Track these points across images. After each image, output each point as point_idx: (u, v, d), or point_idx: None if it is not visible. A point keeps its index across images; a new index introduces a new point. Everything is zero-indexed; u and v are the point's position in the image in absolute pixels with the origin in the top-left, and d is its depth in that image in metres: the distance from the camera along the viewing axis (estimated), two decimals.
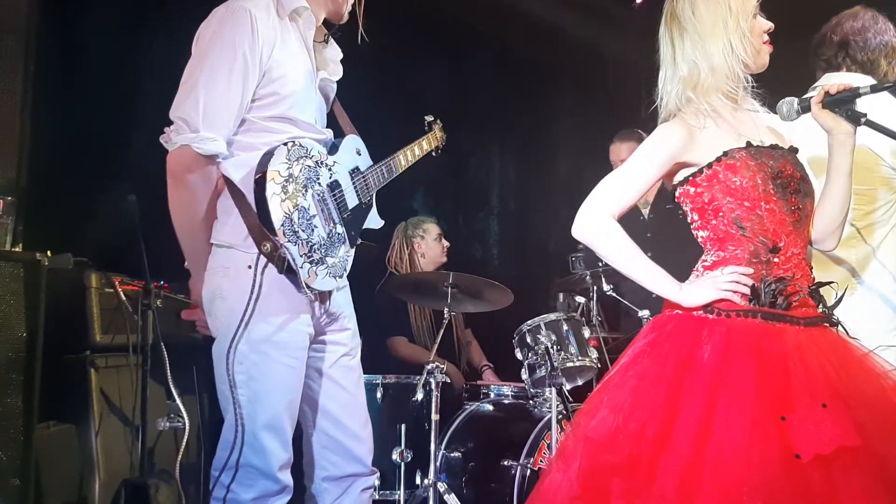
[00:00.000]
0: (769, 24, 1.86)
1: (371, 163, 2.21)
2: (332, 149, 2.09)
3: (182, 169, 1.88)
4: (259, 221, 1.86)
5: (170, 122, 1.90)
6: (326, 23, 2.14)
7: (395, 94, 4.23)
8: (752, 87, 1.87)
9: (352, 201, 2.10)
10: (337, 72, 2.18)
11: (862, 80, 2.19)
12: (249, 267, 1.89)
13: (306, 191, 1.95)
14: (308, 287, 1.91)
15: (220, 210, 1.95)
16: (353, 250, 2.09)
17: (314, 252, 1.93)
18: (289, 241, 1.87)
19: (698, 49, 1.81)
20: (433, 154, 2.48)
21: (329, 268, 1.98)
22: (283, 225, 1.86)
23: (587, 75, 5.28)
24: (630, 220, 1.84)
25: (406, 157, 2.32)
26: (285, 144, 1.92)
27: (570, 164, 5.38)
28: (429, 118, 2.52)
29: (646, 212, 3.91)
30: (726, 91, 1.82)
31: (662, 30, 1.89)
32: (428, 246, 4.03)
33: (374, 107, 3.29)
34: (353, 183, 2.12)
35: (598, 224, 1.80)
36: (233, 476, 1.87)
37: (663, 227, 3.71)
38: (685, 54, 1.83)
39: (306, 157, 1.97)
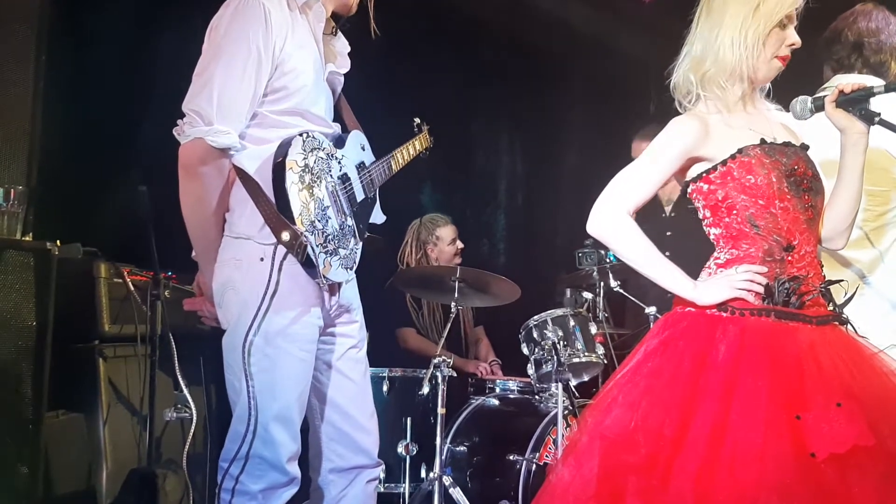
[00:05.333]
0: (795, 39, 1.81)
1: (373, 158, 2.22)
2: (339, 143, 2.11)
3: (195, 161, 1.88)
4: (278, 210, 1.87)
5: (181, 113, 1.90)
6: (335, 15, 2.14)
7: (402, 87, 4.22)
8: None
9: (359, 195, 2.11)
10: (344, 64, 2.18)
11: (874, 81, 2.19)
12: (262, 259, 1.89)
13: (320, 182, 1.96)
14: (324, 277, 1.92)
15: (233, 202, 1.96)
16: (361, 243, 2.10)
17: (329, 242, 1.95)
18: (306, 230, 1.88)
19: (713, 35, 1.80)
20: (421, 156, 2.49)
21: (342, 259, 1.99)
22: (301, 214, 1.87)
23: (596, 70, 5.27)
24: (652, 218, 1.83)
25: (402, 155, 2.34)
26: (300, 135, 1.93)
27: (578, 160, 5.37)
28: (417, 120, 2.54)
29: (668, 209, 3.87)
30: (724, 87, 1.80)
31: (700, 4, 1.86)
32: (441, 252, 4.01)
33: (380, 100, 3.29)
34: (360, 177, 2.13)
35: (613, 221, 1.80)
36: (242, 467, 1.88)
37: (684, 227, 3.68)
38: (702, 35, 1.82)
39: (319, 148, 1.98)
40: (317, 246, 1.90)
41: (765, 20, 1.77)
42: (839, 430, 1.49)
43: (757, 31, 1.77)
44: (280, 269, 1.89)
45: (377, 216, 2.19)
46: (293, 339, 1.91)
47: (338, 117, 2.20)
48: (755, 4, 1.77)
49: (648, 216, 1.83)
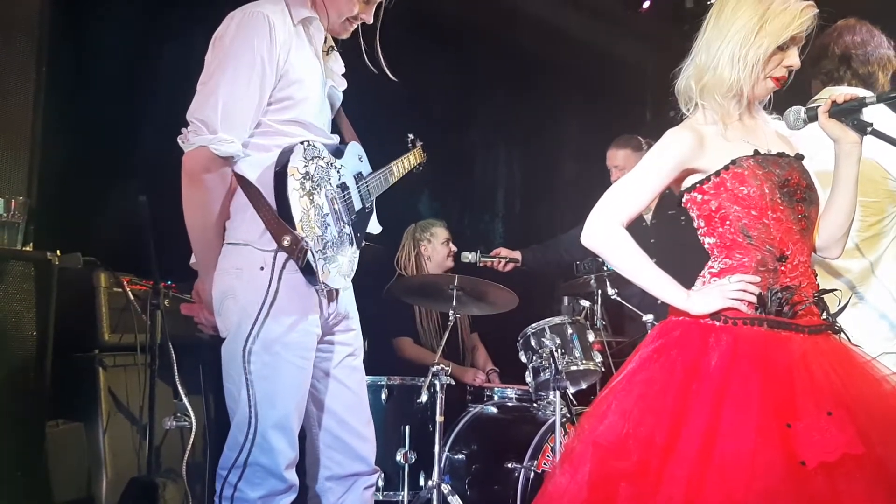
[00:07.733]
0: (794, 62, 1.80)
1: (370, 169, 2.25)
2: (337, 153, 2.14)
3: (199, 169, 1.91)
4: (279, 216, 1.89)
5: (182, 123, 1.92)
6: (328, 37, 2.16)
7: (399, 95, 4.23)
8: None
9: (357, 204, 2.14)
10: (341, 84, 2.21)
11: (865, 92, 2.22)
12: (262, 268, 1.91)
13: (320, 189, 1.99)
14: (323, 283, 1.94)
15: (233, 209, 1.98)
16: (358, 252, 2.12)
17: (327, 249, 1.97)
18: (307, 235, 1.90)
19: (715, 46, 1.80)
20: (415, 171, 2.52)
21: (339, 266, 2.02)
22: (301, 220, 1.90)
23: (594, 78, 5.29)
24: (633, 227, 1.85)
25: (398, 168, 2.37)
26: (302, 143, 1.97)
27: (576, 167, 5.40)
28: (410, 136, 2.56)
29: (648, 217, 3.92)
30: (720, 101, 1.80)
31: (713, 8, 1.85)
32: (434, 249, 4.06)
33: (378, 107, 3.30)
34: (358, 187, 2.16)
35: (607, 232, 1.82)
36: (240, 475, 1.89)
37: (666, 233, 3.71)
38: (707, 44, 1.82)
39: (319, 157, 2.02)
40: (316, 252, 1.93)
41: (768, 41, 1.76)
42: (829, 439, 1.50)
43: (758, 52, 1.76)
44: (280, 277, 1.90)
45: (373, 226, 2.22)
46: (291, 347, 1.93)
47: (336, 130, 2.22)
48: (760, 23, 1.75)
49: (629, 227, 1.85)
